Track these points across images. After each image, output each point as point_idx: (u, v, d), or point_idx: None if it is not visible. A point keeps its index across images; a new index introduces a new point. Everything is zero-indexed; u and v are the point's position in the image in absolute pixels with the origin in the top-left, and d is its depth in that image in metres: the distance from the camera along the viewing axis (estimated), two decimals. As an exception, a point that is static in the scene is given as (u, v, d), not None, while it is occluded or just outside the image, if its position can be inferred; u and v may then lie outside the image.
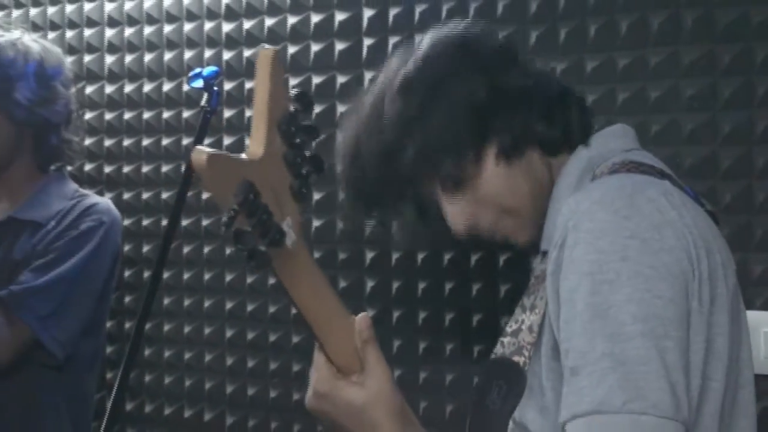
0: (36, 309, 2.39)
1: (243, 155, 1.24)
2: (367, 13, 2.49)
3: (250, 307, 2.69)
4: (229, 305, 2.73)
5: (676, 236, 1.43)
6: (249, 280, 2.68)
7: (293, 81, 2.58)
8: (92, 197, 2.62)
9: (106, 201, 2.64)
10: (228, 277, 2.72)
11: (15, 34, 2.56)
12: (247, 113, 2.66)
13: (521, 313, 1.62)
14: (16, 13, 3.04)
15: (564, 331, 1.43)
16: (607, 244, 1.42)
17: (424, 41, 1.72)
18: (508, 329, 1.64)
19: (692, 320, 1.41)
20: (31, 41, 2.57)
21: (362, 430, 1.42)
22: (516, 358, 1.58)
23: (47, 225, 2.51)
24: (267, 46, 1.30)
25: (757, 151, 2.09)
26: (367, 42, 2.49)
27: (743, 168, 2.11)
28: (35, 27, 2.97)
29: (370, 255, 2.52)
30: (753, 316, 2.04)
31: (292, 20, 2.59)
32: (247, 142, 2.59)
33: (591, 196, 1.49)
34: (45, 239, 2.48)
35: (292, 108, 1.29)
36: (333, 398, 1.43)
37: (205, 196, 2.70)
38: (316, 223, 2.57)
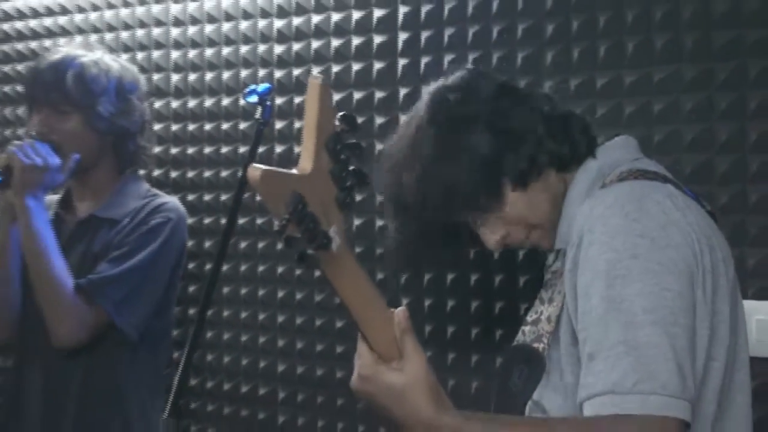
0: (111, 295, 2.41)
1: (294, 170, 1.26)
2: (402, 36, 2.50)
3: (298, 296, 2.70)
4: (280, 294, 2.74)
5: (681, 235, 1.45)
6: (298, 272, 2.69)
7: (336, 96, 2.58)
8: (163, 197, 2.63)
9: (174, 200, 2.64)
10: (279, 269, 2.73)
11: (97, 54, 2.57)
12: (296, 124, 2.66)
13: (540, 305, 1.63)
14: (93, 36, 3.06)
15: (581, 321, 1.46)
16: (620, 243, 1.43)
17: (429, 97, 1.74)
18: (528, 319, 1.65)
19: (698, 309, 1.43)
20: (111, 60, 2.58)
21: (401, 409, 1.42)
22: (536, 345, 1.59)
23: (122, 221, 2.52)
24: (315, 71, 1.34)
25: (750, 158, 2.08)
26: (402, 62, 2.50)
27: (738, 173, 2.10)
28: (110, 50, 3.00)
29: (426, 277, 2.51)
30: (746, 304, 2.03)
31: (335, 42, 2.60)
32: (296, 150, 2.63)
33: (604, 201, 1.51)
34: (120, 233, 2.49)
35: (338, 128, 1.31)
36: (375, 381, 1.43)
37: (259, 197, 2.71)
38: (356, 221, 2.58)
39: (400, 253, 1.84)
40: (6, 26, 3.29)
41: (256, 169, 1.18)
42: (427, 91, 1.77)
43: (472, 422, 1.44)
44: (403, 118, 1.85)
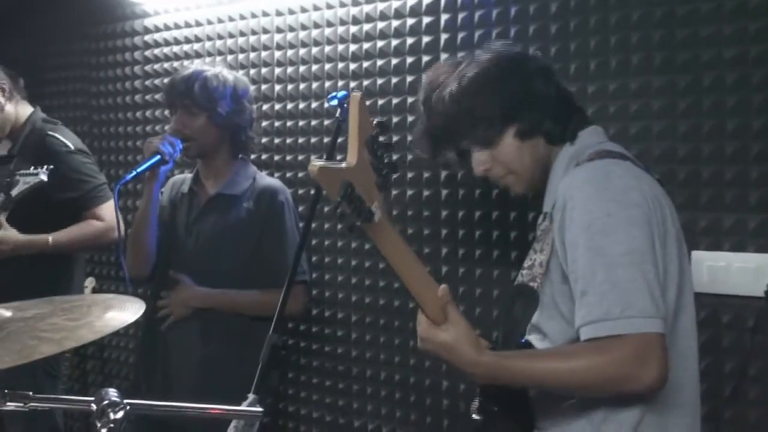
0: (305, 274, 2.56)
1: (343, 164, 1.29)
2: (443, 55, 2.49)
3: (382, 265, 2.68)
4: (361, 261, 2.75)
5: (639, 197, 1.48)
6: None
7: (395, 100, 2.57)
8: (265, 177, 2.66)
9: (275, 180, 2.67)
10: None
11: (217, 68, 2.59)
12: (365, 121, 2.68)
13: (533, 254, 1.64)
14: (219, 58, 3.10)
15: (571, 266, 1.49)
16: (595, 206, 1.47)
17: (495, 49, 1.75)
18: (525, 265, 1.67)
19: (656, 250, 1.45)
20: (228, 73, 2.60)
21: (454, 358, 1.49)
22: (531, 284, 1.61)
23: (242, 197, 2.55)
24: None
25: (704, 145, 2.06)
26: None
27: (693, 156, 2.07)
28: (231, 67, 3.03)
29: (444, 231, 2.52)
30: (699, 255, 2.03)
31: (394, 61, 2.60)
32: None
33: (579, 176, 1.55)
34: (245, 213, 2.53)
35: (374, 131, 1.34)
36: (432, 341, 1.50)
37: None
38: (409, 211, 2.58)
39: (422, 142, 1.83)
40: (156, 51, 3.34)
41: (314, 164, 1.23)
42: (487, 46, 1.77)
43: (505, 358, 1.52)
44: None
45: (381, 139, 1.34)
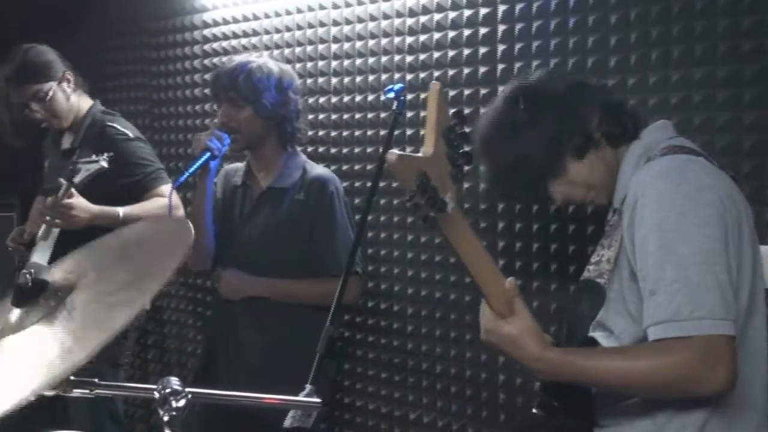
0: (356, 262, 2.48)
1: (419, 154, 1.29)
2: (501, 47, 2.47)
3: (438, 257, 2.69)
4: (415, 251, 2.74)
5: (713, 195, 1.44)
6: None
7: (451, 92, 2.57)
8: (315, 167, 2.66)
9: (325, 170, 2.68)
10: (409, 219, 2.76)
11: (262, 59, 2.61)
12: (422, 114, 2.66)
13: (601, 250, 1.63)
14: (276, 51, 3.13)
15: (640, 265, 1.46)
16: (668, 204, 1.43)
17: (513, 87, 1.74)
18: (592, 260, 1.65)
19: (729, 251, 1.42)
20: (273, 64, 2.60)
21: (517, 351, 1.47)
22: (599, 280, 1.59)
23: (293, 189, 2.57)
24: (435, 75, 1.35)
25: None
26: (500, 66, 2.47)
27: (760, 148, 2.02)
28: (288, 61, 3.06)
29: (501, 224, 2.51)
30: (765, 249, 1.98)
31: (451, 53, 2.59)
32: (421, 132, 2.63)
33: (651, 171, 1.51)
34: (296, 204, 2.55)
35: (451, 121, 1.33)
36: (496, 333, 1.48)
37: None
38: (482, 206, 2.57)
39: (490, 195, 1.83)
40: (215, 45, 3.39)
41: (393, 154, 1.23)
42: (513, 82, 1.77)
43: (569, 354, 1.50)
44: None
45: (458, 129, 1.33)
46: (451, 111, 1.34)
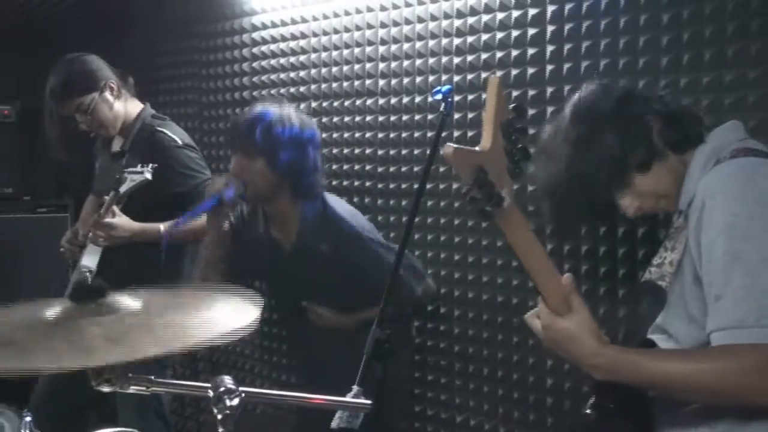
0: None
1: (477, 147, 1.28)
2: (549, 47, 2.45)
3: (500, 261, 2.71)
4: (456, 239, 2.75)
5: None
6: (470, 223, 2.72)
7: (515, 92, 2.55)
8: (330, 209, 2.58)
9: (340, 207, 2.61)
10: (456, 221, 2.75)
11: (285, 110, 2.53)
12: (469, 115, 2.66)
13: (664, 252, 1.60)
14: (324, 54, 3.14)
15: (706, 269, 1.43)
16: (738, 208, 1.40)
17: (569, 109, 1.72)
18: (654, 262, 1.62)
19: None
20: (295, 116, 2.52)
21: (574, 347, 1.46)
22: (660, 283, 1.57)
23: (318, 244, 2.54)
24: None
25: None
26: (549, 67, 2.46)
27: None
28: (338, 63, 3.08)
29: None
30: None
31: (499, 54, 2.58)
32: (469, 134, 2.64)
33: (722, 173, 1.48)
34: (325, 257, 2.53)
35: (510, 115, 1.32)
36: (554, 329, 1.48)
37: (442, 168, 2.74)
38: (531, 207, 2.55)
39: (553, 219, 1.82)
40: (263, 48, 3.43)
41: (450, 146, 1.22)
42: (569, 103, 1.75)
43: (628, 352, 1.48)
44: (551, 111, 1.83)
45: (517, 124, 1.32)
46: (511, 105, 1.33)
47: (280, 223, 2.65)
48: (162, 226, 2.87)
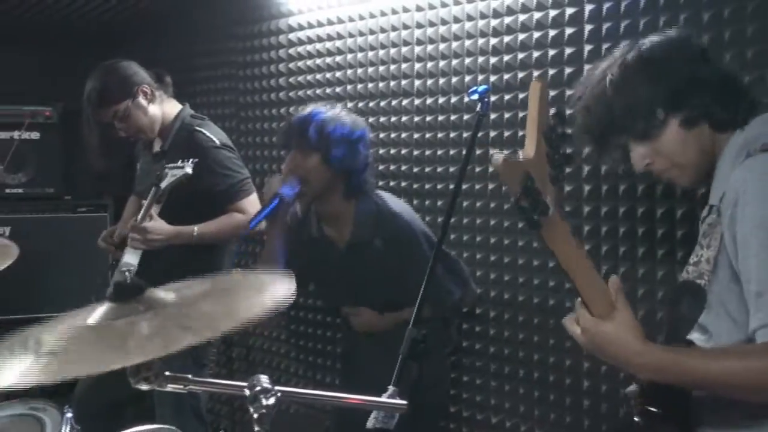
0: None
1: (521, 155, 1.27)
2: (587, 47, 2.44)
3: (536, 262, 2.70)
4: (506, 241, 2.74)
5: None
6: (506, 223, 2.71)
7: (553, 92, 2.50)
8: (384, 206, 2.61)
9: (394, 204, 2.64)
10: (492, 221, 2.74)
11: (336, 111, 2.61)
12: (506, 115, 2.65)
13: (700, 250, 1.57)
14: (360, 54, 3.15)
15: (742, 265, 1.41)
16: None
17: (654, 36, 1.67)
18: (691, 261, 1.59)
19: None
20: (346, 116, 2.61)
21: (617, 349, 1.43)
22: (698, 281, 1.54)
23: (371, 240, 2.58)
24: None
25: None
26: (586, 67, 2.44)
27: None
28: (381, 63, 3.08)
29: (604, 228, 2.46)
30: None
31: (535, 54, 2.57)
32: (506, 133, 2.62)
33: (753, 168, 1.46)
34: (378, 254, 2.56)
35: (552, 121, 1.31)
36: (595, 333, 1.44)
37: (477, 169, 2.74)
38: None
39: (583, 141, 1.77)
40: (300, 48, 3.45)
41: (498, 156, 1.22)
42: (639, 41, 1.69)
43: (674, 351, 1.44)
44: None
45: (559, 130, 1.30)
46: (551, 111, 1.32)
47: (333, 221, 2.69)
48: (196, 229, 2.90)
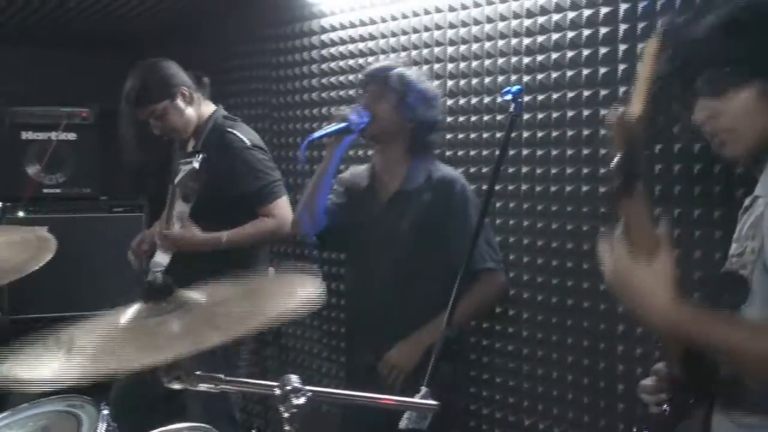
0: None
1: (629, 112, 1.25)
2: (622, 47, 2.41)
3: (570, 264, 2.68)
4: (541, 240, 2.73)
5: None
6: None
7: (555, 95, 2.52)
8: (441, 167, 2.67)
9: (450, 170, 2.68)
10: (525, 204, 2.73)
11: (416, 70, 2.73)
12: (539, 116, 2.63)
13: (744, 241, 1.53)
14: (392, 55, 3.16)
15: None
16: None
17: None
18: (734, 252, 1.55)
19: None
20: (426, 78, 2.72)
21: (645, 299, 1.39)
22: (742, 272, 1.51)
23: (419, 192, 2.59)
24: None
25: None
26: (622, 66, 2.42)
27: None
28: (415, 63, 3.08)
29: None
30: None
31: (569, 53, 2.55)
32: (539, 134, 2.59)
33: None
34: (424, 207, 2.57)
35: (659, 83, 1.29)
36: (628, 274, 1.39)
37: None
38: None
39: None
40: (332, 50, 3.46)
41: (615, 111, 1.23)
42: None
43: (702, 315, 1.40)
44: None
45: (665, 91, 1.32)
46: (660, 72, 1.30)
47: (387, 172, 2.70)
48: (225, 235, 2.91)
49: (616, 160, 1.22)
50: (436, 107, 2.67)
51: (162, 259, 2.92)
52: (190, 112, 3.09)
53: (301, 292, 1.40)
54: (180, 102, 3.05)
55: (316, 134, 2.59)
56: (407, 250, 2.59)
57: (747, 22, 1.50)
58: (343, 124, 2.57)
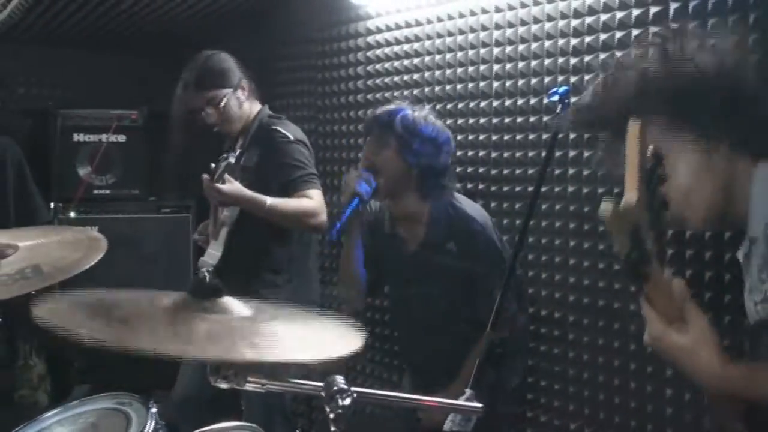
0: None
1: (623, 201, 1.21)
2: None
3: (601, 265, 2.66)
4: (586, 245, 2.71)
5: None
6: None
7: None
8: (459, 205, 2.63)
9: (469, 207, 2.65)
10: (571, 224, 2.71)
11: (424, 112, 2.65)
12: (586, 117, 2.62)
13: (762, 285, 1.48)
14: (438, 56, 3.15)
15: None
16: None
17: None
18: (757, 299, 1.48)
19: None
20: (434, 119, 2.64)
21: (692, 364, 1.36)
22: None
23: (443, 241, 2.59)
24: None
25: None
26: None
27: None
28: (449, 65, 3.08)
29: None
30: None
31: (618, 54, 2.52)
32: (586, 135, 2.56)
33: None
34: (450, 256, 2.57)
35: (649, 163, 1.23)
36: (666, 342, 1.37)
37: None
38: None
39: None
40: (378, 51, 3.46)
41: (608, 205, 1.19)
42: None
43: (754, 372, 1.38)
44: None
45: (659, 171, 1.23)
46: (648, 151, 1.23)
47: (407, 222, 2.70)
48: (269, 200, 2.89)
49: (621, 251, 1.20)
50: (444, 150, 2.61)
51: (210, 258, 2.96)
52: (246, 106, 3.15)
53: (345, 344, 1.41)
54: (240, 94, 3.11)
55: (340, 222, 2.58)
56: (440, 302, 2.62)
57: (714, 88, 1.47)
58: (355, 201, 2.55)
